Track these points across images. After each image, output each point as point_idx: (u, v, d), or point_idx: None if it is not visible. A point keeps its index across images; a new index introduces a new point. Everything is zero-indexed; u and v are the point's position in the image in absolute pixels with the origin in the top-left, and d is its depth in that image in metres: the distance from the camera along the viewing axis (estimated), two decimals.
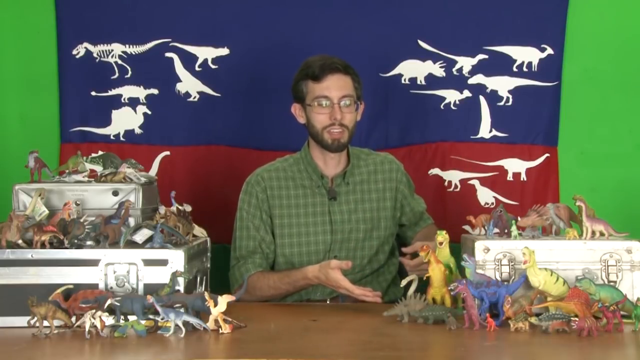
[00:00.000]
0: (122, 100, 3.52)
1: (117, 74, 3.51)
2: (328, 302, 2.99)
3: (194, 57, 3.52)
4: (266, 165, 3.14)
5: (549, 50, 3.48)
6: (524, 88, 3.50)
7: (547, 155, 3.51)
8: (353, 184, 3.08)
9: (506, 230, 2.65)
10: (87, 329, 2.26)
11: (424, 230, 3.14)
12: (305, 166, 3.09)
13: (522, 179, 3.51)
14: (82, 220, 2.51)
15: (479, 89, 3.51)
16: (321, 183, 3.07)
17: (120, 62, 3.50)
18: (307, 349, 2.23)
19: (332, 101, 2.97)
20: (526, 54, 3.49)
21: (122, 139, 3.52)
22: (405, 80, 3.52)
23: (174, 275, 2.41)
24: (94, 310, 2.27)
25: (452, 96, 3.52)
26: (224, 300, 2.32)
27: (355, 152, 3.13)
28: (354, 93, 3.01)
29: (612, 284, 2.54)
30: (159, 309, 2.30)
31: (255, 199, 3.06)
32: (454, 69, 3.51)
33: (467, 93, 3.51)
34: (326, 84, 2.98)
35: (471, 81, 3.51)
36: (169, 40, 3.51)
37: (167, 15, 3.51)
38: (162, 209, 2.71)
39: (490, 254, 2.57)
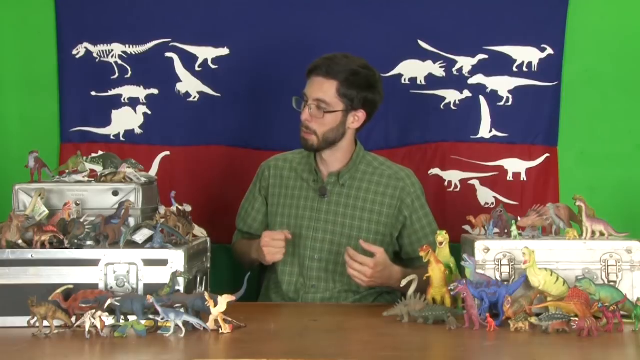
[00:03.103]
0: (122, 100, 3.51)
1: (117, 74, 3.50)
2: None
3: (194, 57, 3.51)
4: (281, 154, 3.19)
5: (549, 50, 3.47)
6: (524, 88, 3.49)
7: (547, 155, 3.50)
8: (348, 187, 3.05)
9: (506, 230, 2.66)
10: (87, 329, 2.25)
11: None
12: (308, 160, 3.09)
13: (522, 179, 3.50)
14: (82, 220, 2.51)
15: (479, 89, 3.50)
16: (316, 178, 3.07)
17: (120, 62, 3.50)
18: (307, 349, 2.23)
19: (307, 101, 2.98)
20: (526, 54, 3.48)
21: (122, 139, 3.51)
22: (405, 80, 3.51)
23: (174, 275, 2.41)
24: (94, 310, 2.27)
25: (452, 96, 3.51)
26: (224, 300, 2.32)
27: (368, 157, 3.10)
28: (330, 100, 2.94)
29: (612, 284, 2.54)
30: (159, 309, 2.30)
31: (258, 182, 3.15)
32: (454, 69, 3.50)
33: (467, 93, 3.51)
34: (309, 83, 2.99)
35: (471, 81, 3.50)
36: (169, 40, 3.50)
37: (167, 15, 3.51)
38: (162, 209, 2.72)
39: (490, 254, 2.57)
